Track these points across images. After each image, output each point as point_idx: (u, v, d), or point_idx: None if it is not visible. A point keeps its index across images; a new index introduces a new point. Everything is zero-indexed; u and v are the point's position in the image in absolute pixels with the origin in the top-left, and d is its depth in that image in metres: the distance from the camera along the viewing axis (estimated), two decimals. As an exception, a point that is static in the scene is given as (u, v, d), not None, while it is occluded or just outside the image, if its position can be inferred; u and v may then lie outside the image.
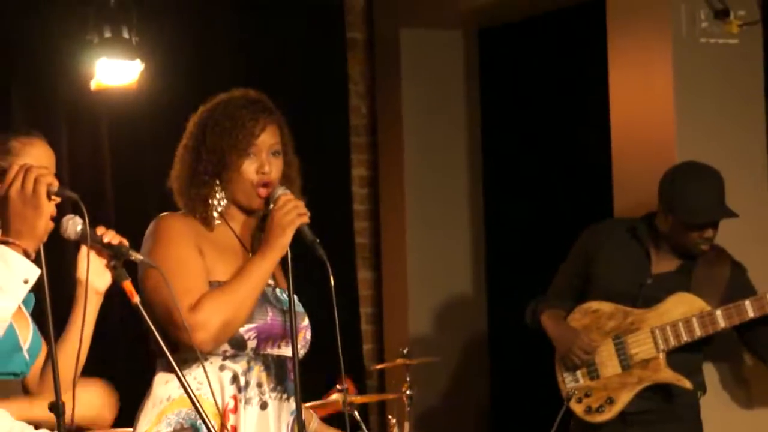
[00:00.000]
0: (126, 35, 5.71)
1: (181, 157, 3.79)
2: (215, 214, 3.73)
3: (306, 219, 3.64)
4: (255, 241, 3.81)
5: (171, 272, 3.51)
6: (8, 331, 2.96)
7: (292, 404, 3.73)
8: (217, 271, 3.68)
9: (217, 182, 3.72)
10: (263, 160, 3.71)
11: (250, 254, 3.77)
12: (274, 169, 3.72)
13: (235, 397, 3.65)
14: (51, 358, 2.91)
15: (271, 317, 3.70)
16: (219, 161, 3.70)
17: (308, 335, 3.80)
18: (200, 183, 3.72)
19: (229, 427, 3.57)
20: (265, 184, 3.71)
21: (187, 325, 3.44)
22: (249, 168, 3.70)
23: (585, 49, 6.20)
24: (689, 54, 5.52)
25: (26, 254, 2.77)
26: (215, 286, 3.65)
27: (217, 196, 3.73)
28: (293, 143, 3.83)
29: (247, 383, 3.67)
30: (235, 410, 3.63)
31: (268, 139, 3.72)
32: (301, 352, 3.73)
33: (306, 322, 3.80)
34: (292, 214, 3.63)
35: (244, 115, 3.73)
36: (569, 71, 6.52)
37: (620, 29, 5.72)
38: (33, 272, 2.77)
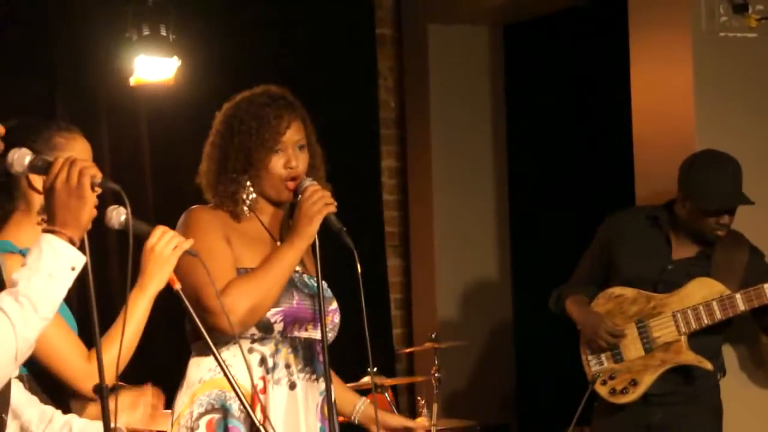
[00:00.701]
0: (164, 33, 5.73)
1: (208, 155, 3.80)
2: (245, 209, 3.74)
3: (333, 208, 3.64)
4: (284, 231, 3.81)
5: (196, 264, 3.49)
6: None
7: (322, 385, 3.74)
8: (245, 259, 3.69)
9: (246, 178, 3.73)
10: (290, 156, 3.72)
11: (278, 243, 3.77)
12: (301, 162, 3.73)
13: (263, 378, 3.66)
14: (95, 343, 2.92)
15: (297, 301, 3.71)
16: (246, 159, 3.71)
17: (336, 319, 3.80)
18: (228, 180, 3.73)
19: (259, 406, 3.58)
20: (293, 178, 3.71)
21: (216, 310, 3.45)
22: (277, 164, 3.71)
23: (607, 44, 6.18)
24: (709, 47, 5.50)
25: (72, 242, 2.77)
26: (243, 272, 3.66)
27: (246, 192, 3.74)
28: (315, 133, 3.83)
29: (275, 365, 3.68)
30: (264, 391, 3.65)
31: (293, 135, 3.73)
32: (330, 335, 3.74)
33: (334, 305, 3.80)
34: (319, 204, 3.63)
35: (268, 113, 3.73)
36: (591, 65, 6.51)
37: (641, 24, 5.70)
38: (79, 260, 2.78)
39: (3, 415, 2.78)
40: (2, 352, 2.66)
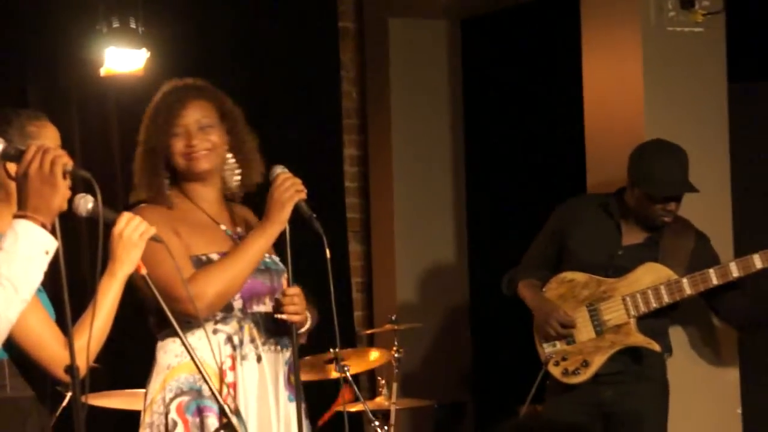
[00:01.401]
0: (133, 25, 5.71)
1: (135, 158, 3.80)
2: (173, 200, 3.73)
3: (303, 195, 3.64)
4: (225, 216, 3.80)
5: (158, 256, 3.47)
6: None
7: (286, 355, 3.74)
8: (195, 247, 3.69)
9: (163, 168, 3.73)
10: (191, 135, 3.71)
11: (221, 226, 3.76)
12: (203, 141, 3.71)
13: (232, 356, 3.67)
14: (66, 326, 2.91)
15: (251, 278, 3.70)
16: (154, 150, 3.71)
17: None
18: (151, 175, 3.73)
19: (226, 383, 3.58)
20: (198, 152, 3.69)
21: (184, 297, 3.44)
22: (178, 145, 3.70)
23: (560, 38, 6.19)
24: (657, 41, 5.51)
25: (44, 227, 2.76)
26: (195, 260, 3.65)
27: (167, 181, 3.74)
28: (242, 121, 3.81)
29: (241, 341, 3.68)
30: (234, 368, 3.65)
31: (192, 115, 3.73)
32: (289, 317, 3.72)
33: (284, 278, 3.79)
34: (291, 190, 3.62)
35: (167, 99, 3.75)
36: (545, 58, 6.52)
37: (593, 19, 5.71)
38: (52, 244, 2.78)
39: None
40: None
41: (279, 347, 3.74)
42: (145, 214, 3.63)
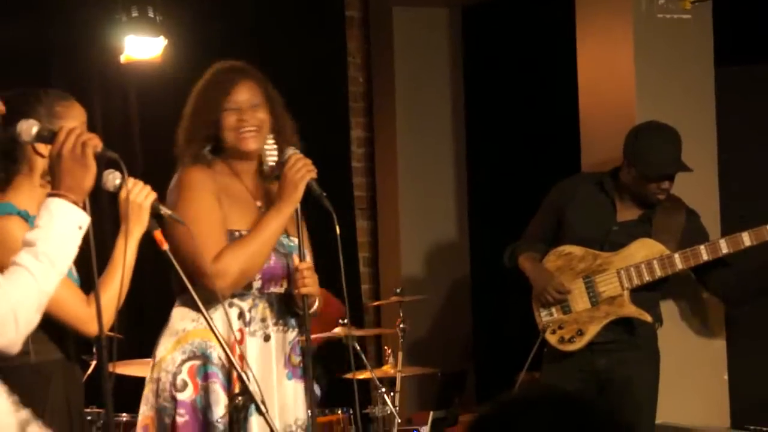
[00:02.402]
0: (151, 14, 5.70)
1: (180, 125, 3.81)
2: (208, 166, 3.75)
3: (314, 174, 3.65)
4: (260, 193, 3.81)
5: (196, 223, 3.53)
6: None
7: (291, 335, 3.75)
8: (232, 220, 3.70)
9: (211, 142, 3.74)
10: (243, 111, 3.72)
11: (258, 203, 3.78)
12: (253, 118, 3.72)
13: (241, 330, 3.68)
14: (96, 297, 2.94)
15: (274, 260, 3.72)
16: (206, 123, 3.73)
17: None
18: (199, 144, 3.74)
19: (237, 355, 3.60)
20: (249, 130, 3.70)
21: (210, 274, 3.45)
22: (230, 120, 3.72)
23: (555, 24, 6.17)
24: (648, 27, 5.50)
25: (76, 205, 2.79)
26: (229, 234, 3.67)
27: (205, 151, 3.75)
28: (283, 104, 3.82)
29: (252, 318, 3.69)
30: (242, 341, 3.66)
31: (243, 94, 3.74)
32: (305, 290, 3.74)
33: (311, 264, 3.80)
34: (303, 171, 3.63)
35: (219, 77, 3.76)
36: (542, 44, 6.51)
37: (587, 6, 5.70)
38: (85, 219, 2.80)
39: None
40: (28, 305, 2.69)
41: (287, 327, 3.76)
42: (194, 174, 3.68)
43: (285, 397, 3.72)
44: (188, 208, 3.60)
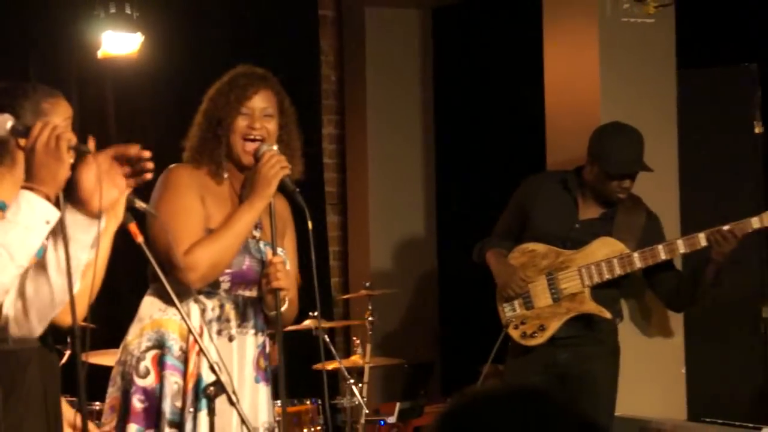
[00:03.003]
0: (128, 11, 5.69)
1: (195, 121, 3.79)
2: (222, 169, 3.73)
3: (288, 171, 3.64)
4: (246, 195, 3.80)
5: (174, 217, 3.53)
6: None
7: (259, 339, 3.74)
8: (215, 220, 3.68)
9: (215, 139, 3.72)
10: (253, 119, 3.70)
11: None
12: (264, 128, 3.70)
13: (201, 327, 3.65)
14: (69, 288, 2.92)
15: (247, 265, 3.69)
16: (218, 119, 3.71)
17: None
18: (208, 139, 3.72)
19: (196, 349, 3.59)
20: (253, 140, 3.70)
21: (182, 266, 3.44)
22: (241, 124, 3.70)
23: (523, 26, 6.19)
24: (613, 31, 5.52)
25: (48, 199, 2.77)
26: (210, 232, 3.66)
27: (223, 151, 3.73)
28: (296, 118, 3.80)
29: (218, 317, 3.68)
30: (201, 335, 3.65)
31: (260, 101, 3.71)
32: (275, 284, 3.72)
33: (284, 259, 3.79)
34: (276, 167, 3.62)
35: (241, 80, 3.73)
36: (509, 45, 6.52)
37: (554, 9, 5.71)
38: (53, 214, 2.77)
39: None
40: None
41: (254, 331, 3.74)
42: (180, 173, 3.67)
43: (254, 400, 3.71)
44: (169, 203, 3.59)
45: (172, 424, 3.58)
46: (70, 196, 2.82)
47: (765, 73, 5.82)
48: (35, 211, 2.75)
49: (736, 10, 5.81)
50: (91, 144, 2.88)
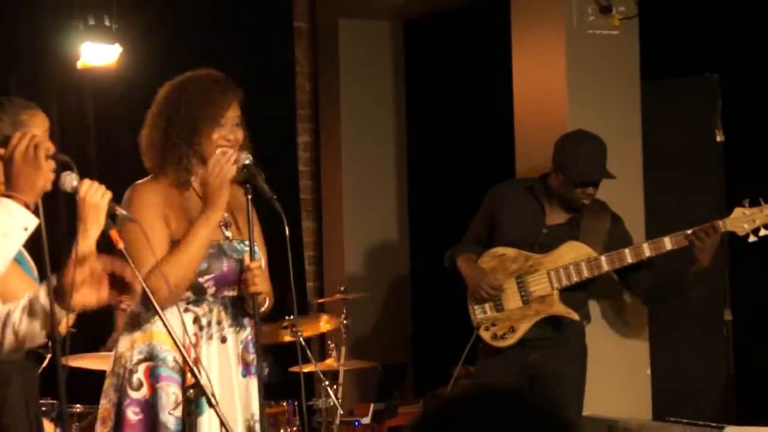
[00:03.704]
0: (107, 23, 5.68)
1: (152, 124, 3.71)
2: (186, 178, 3.69)
3: (235, 169, 3.56)
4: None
5: (137, 241, 3.45)
6: None
7: (243, 334, 3.73)
8: (182, 232, 3.64)
9: (188, 148, 3.68)
10: (228, 131, 3.68)
11: None
12: (236, 137, 3.69)
13: (196, 335, 3.63)
14: (48, 294, 2.89)
15: (227, 267, 3.67)
16: (193, 129, 3.66)
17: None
18: (173, 146, 3.67)
19: (191, 358, 3.56)
20: (228, 147, 3.68)
21: (147, 290, 3.32)
22: (218, 135, 3.67)
23: (492, 38, 6.19)
24: (579, 43, 5.53)
25: (26, 206, 2.74)
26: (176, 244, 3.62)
27: (187, 161, 3.69)
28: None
29: (209, 322, 3.65)
30: (197, 345, 3.62)
31: (233, 112, 3.70)
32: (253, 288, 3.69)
33: (263, 263, 3.77)
34: (221, 175, 3.57)
35: (215, 90, 3.69)
36: (479, 56, 6.53)
37: (522, 21, 5.72)
38: (32, 221, 2.75)
39: None
40: None
41: (239, 328, 3.72)
42: (142, 192, 3.63)
43: (243, 394, 3.68)
44: (131, 225, 3.50)
45: None
46: (7, 184, 2.79)
47: (726, 83, 5.84)
48: (14, 218, 2.72)
49: (698, 22, 5.83)
50: None
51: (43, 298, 2.84)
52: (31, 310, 2.87)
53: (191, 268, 3.57)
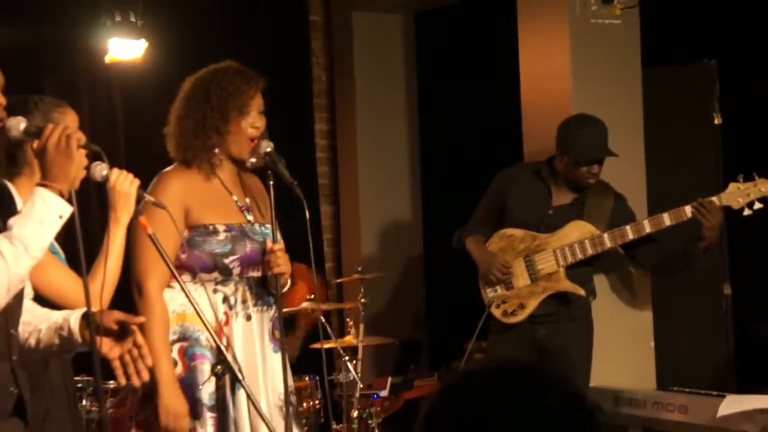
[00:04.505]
0: (133, 19, 5.68)
1: (182, 116, 3.72)
2: (214, 165, 3.71)
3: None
4: (236, 187, 3.78)
5: (162, 228, 3.41)
6: None
7: (270, 313, 3.74)
8: (206, 216, 3.65)
9: (217, 136, 3.69)
10: (255, 118, 3.70)
11: (234, 197, 3.74)
12: (262, 124, 3.71)
13: (226, 314, 3.64)
14: (83, 277, 2.90)
15: (250, 248, 3.68)
16: (223, 118, 3.67)
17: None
18: (204, 136, 3.68)
19: (221, 337, 3.58)
20: (253, 138, 3.70)
21: (176, 275, 3.23)
22: (246, 123, 3.69)
23: (499, 27, 6.19)
24: (582, 31, 5.52)
25: (61, 195, 2.75)
26: (203, 228, 3.63)
27: (217, 148, 3.71)
28: None
29: (236, 301, 3.67)
30: (227, 323, 3.64)
31: (258, 101, 3.72)
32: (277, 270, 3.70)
33: (281, 245, 3.78)
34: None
35: (240, 81, 3.70)
36: (487, 45, 6.52)
37: (528, 11, 5.71)
38: (66, 209, 2.75)
39: (12, 330, 2.76)
40: None
41: (266, 307, 3.73)
42: (167, 181, 3.63)
43: (273, 368, 3.70)
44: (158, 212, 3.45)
45: (211, 409, 3.57)
46: (41, 173, 2.81)
47: (723, 69, 5.83)
48: (49, 206, 2.73)
49: (696, 11, 5.81)
50: None
51: (73, 322, 2.85)
52: (58, 333, 2.88)
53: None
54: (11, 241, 2.65)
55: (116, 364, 2.86)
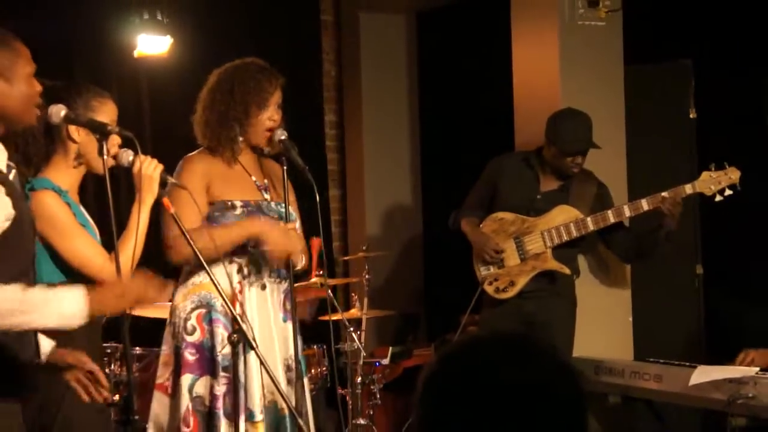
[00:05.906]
0: (159, 17, 5.68)
1: (208, 106, 3.76)
2: (237, 152, 3.75)
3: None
4: (256, 169, 3.81)
5: (184, 206, 3.45)
6: None
7: (283, 285, 3.76)
8: (228, 193, 3.70)
9: (239, 127, 3.73)
10: (273, 112, 3.72)
11: (253, 177, 3.78)
12: (279, 117, 3.74)
13: (240, 282, 3.67)
14: (115, 254, 2.93)
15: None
16: (245, 110, 3.71)
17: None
18: (228, 126, 3.72)
19: (238, 304, 3.61)
20: (270, 129, 3.73)
21: (194, 247, 3.16)
22: (264, 116, 3.71)
23: (494, 28, 6.17)
24: (570, 33, 5.52)
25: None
26: (222, 204, 3.66)
27: (239, 137, 3.75)
28: None
29: (250, 272, 3.69)
30: (242, 291, 3.66)
31: (277, 97, 3.74)
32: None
33: (297, 224, 3.81)
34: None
35: (261, 77, 3.73)
36: (482, 44, 6.51)
37: (521, 13, 5.71)
38: (78, 321, 2.57)
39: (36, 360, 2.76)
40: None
41: (279, 279, 3.76)
42: (191, 164, 3.69)
43: (282, 336, 3.73)
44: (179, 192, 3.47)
45: (225, 369, 3.61)
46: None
47: (698, 68, 5.83)
48: (75, 315, 2.55)
49: (674, 15, 5.81)
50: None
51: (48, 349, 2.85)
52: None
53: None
54: (30, 299, 2.50)
55: (75, 384, 2.86)
